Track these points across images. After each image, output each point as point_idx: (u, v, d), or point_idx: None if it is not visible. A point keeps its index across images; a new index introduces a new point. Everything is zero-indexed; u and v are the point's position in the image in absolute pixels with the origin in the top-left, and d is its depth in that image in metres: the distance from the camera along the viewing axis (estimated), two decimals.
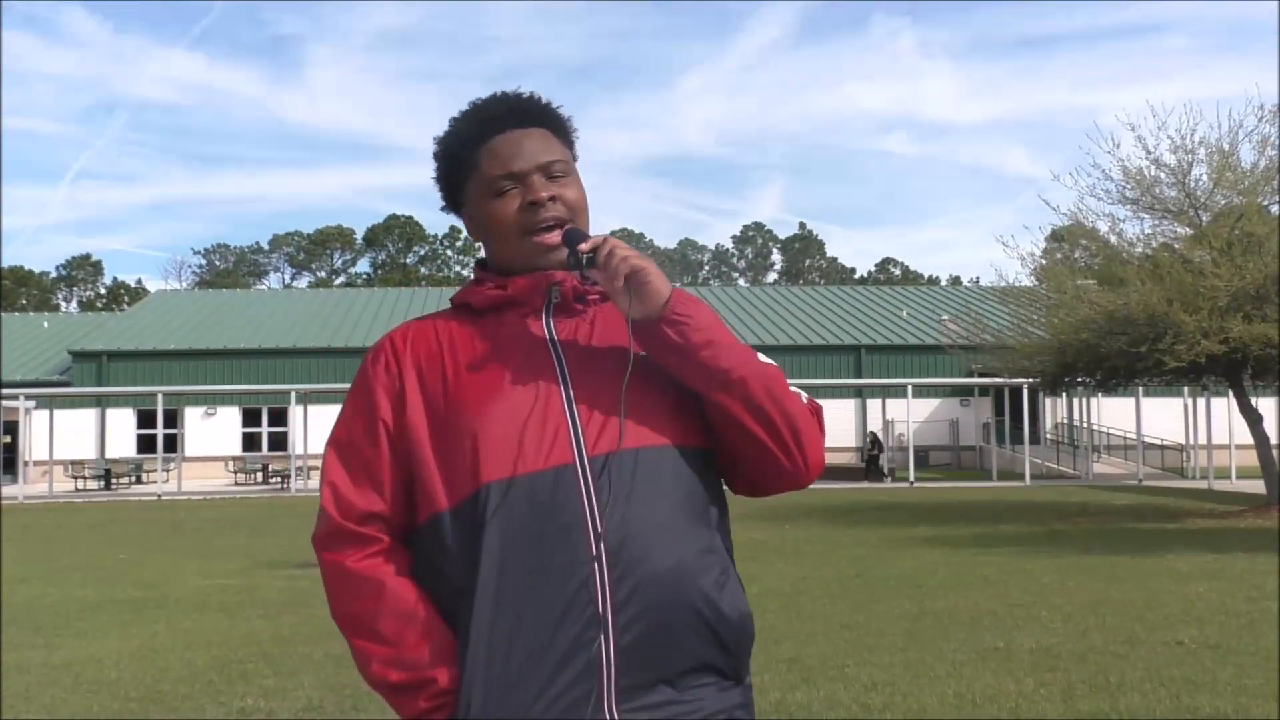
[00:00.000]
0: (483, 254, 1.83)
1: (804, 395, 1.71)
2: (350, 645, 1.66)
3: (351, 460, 1.66)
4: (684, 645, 1.54)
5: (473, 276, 1.82)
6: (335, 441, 1.70)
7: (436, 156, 1.79)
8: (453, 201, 1.81)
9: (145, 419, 36.18)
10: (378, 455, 1.65)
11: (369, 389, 1.69)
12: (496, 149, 1.70)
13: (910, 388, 32.76)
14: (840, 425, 38.71)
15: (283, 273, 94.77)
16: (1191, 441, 30.74)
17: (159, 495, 28.74)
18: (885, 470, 32.59)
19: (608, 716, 1.51)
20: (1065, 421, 36.34)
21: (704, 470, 1.65)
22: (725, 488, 1.72)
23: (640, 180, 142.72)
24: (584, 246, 1.63)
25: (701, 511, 1.62)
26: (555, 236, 1.68)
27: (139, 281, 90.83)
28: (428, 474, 1.60)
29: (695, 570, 1.56)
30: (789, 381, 1.70)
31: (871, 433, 34.00)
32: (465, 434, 1.58)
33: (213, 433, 37.46)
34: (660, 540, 1.55)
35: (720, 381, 1.60)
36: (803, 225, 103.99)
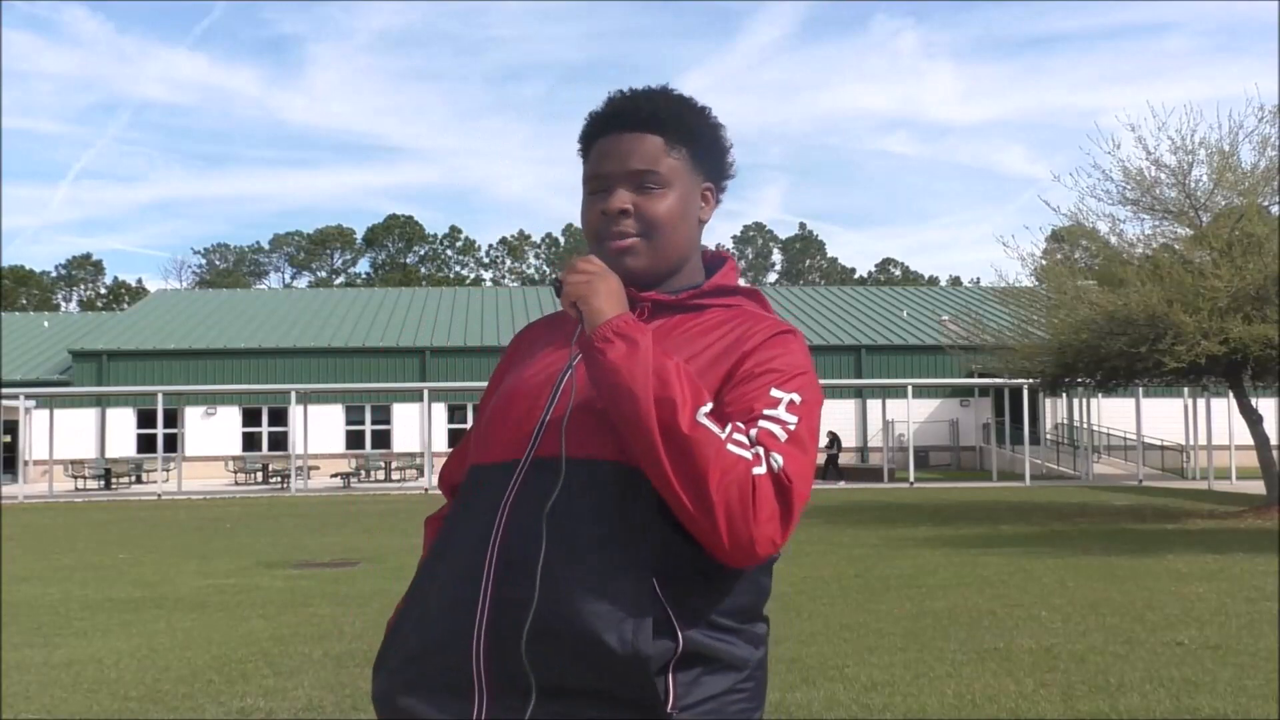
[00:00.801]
0: None
1: (774, 461, 1.48)
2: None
3: (465, 437, 1.83)
4: (562, 668, 1.45)
5: None
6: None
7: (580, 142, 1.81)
8: None
9: (145, 419, 36.21)
10: (470, 435, 1.79)
11: (494, 375, 1.86)
12: (602, 148, 1.70)
13: (910, 388, 32.77)
14: (840, 425, 38.73)
15: (283, 273, 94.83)
16: (1191, 442, 30.75)
17: (159, 495, 28.74)
18: (840, 472, 32.69)
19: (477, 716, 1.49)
20: (1065, 422, 36.36)
21: (638, 492, 1.51)
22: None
23: None
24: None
25: (632, 535, 1.50)
26: (622, 243, 1.66)
27: (139, 281, 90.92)
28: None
29: (591, 594, 1.46)
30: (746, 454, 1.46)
31: (830, 432, 33.99)
32: (483, 421, 1.71)
33: (213, 432, 37.47)
34: (561, 557, 1.48)
35: (624, 426, 1.49)
36: (803, 225, 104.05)
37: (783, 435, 1.53)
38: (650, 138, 1.68)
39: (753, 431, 1.51)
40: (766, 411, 1.54)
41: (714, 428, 1.48)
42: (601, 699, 1.46)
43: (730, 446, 1.47)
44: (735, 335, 1.63)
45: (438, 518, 1.84)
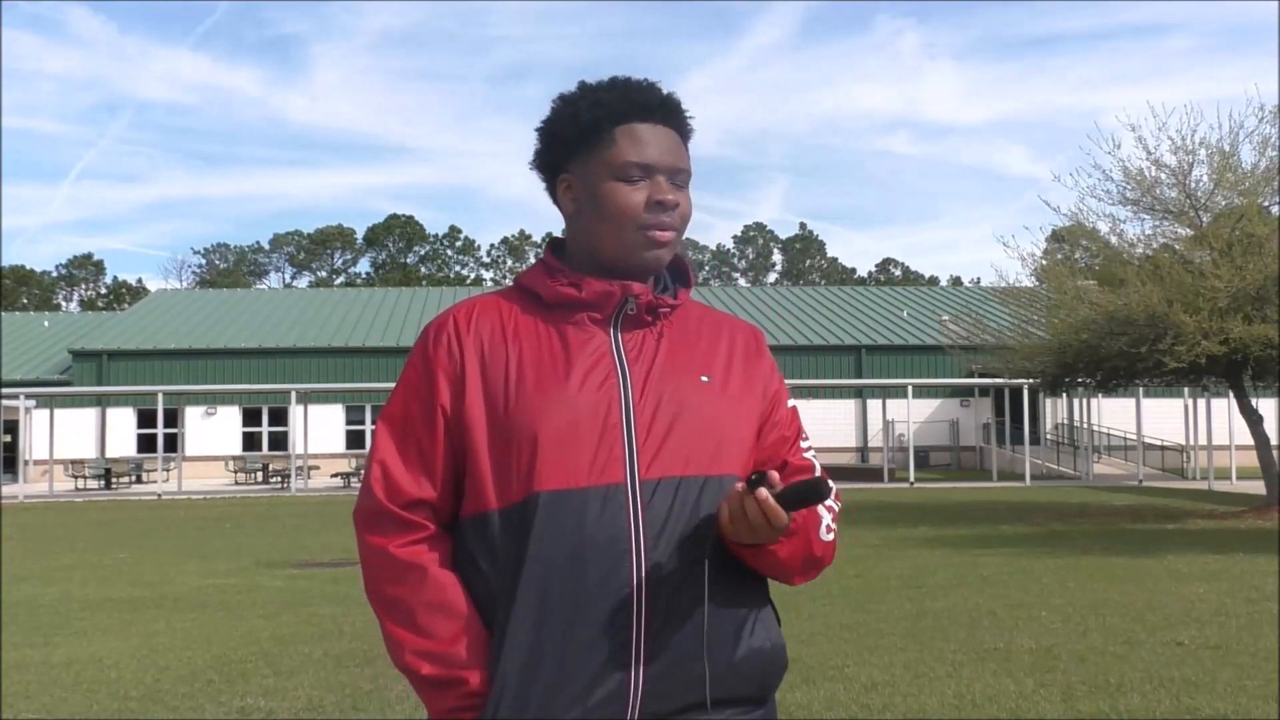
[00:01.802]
0: (557, 233, 1.81)
1: (834, 505, 1.71)
2: (383, 628, 1.63)
3: (405, 442, 1.65)
4: (713, 678, 1.56)
5: (542, 256, 1.77)
6: (389, 418, 1.68)
7: (559, 112, 1.71)
8: (554, 163, 1.73)
9: (145, 418, 36.20)
10: (433, 442, 1.63)
11: (429, 371, 1.65)
12: (640, 135, 1.66)
13: (910, 388, 32.77)
14: (840, 425, 38.72)
15: (283, 273, 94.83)
16: (1191, 442, 30.74)
17: (159, 495, 28.74)
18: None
19: None
20: (1065, 422, 36.35)
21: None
22: None
23: None
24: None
25: (752, 550, 1.63)
26: (667, 235, 1.67)
27: (139, 281, 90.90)
28: (481, 470, 1.59)
29: (731, 606, 1.60)
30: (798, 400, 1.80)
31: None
32: (524, 435, 1.57)
33: (213, 432, 37.47)
34: (701, 574, 1.56)
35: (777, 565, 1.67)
36: (803, 225, 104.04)
37: (817, 465, 1.78)
38: (678, 135, 1.71)
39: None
40: (804, 440, 1.80)
41: (823, 533, 1.68)
42: (737, 702, 1.61)
43: (824, 533, 1.69)
44: (743, 339, 1.80)
45: (427, 549, 1.62)
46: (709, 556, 1.57)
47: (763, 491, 1.49)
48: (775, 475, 1.51)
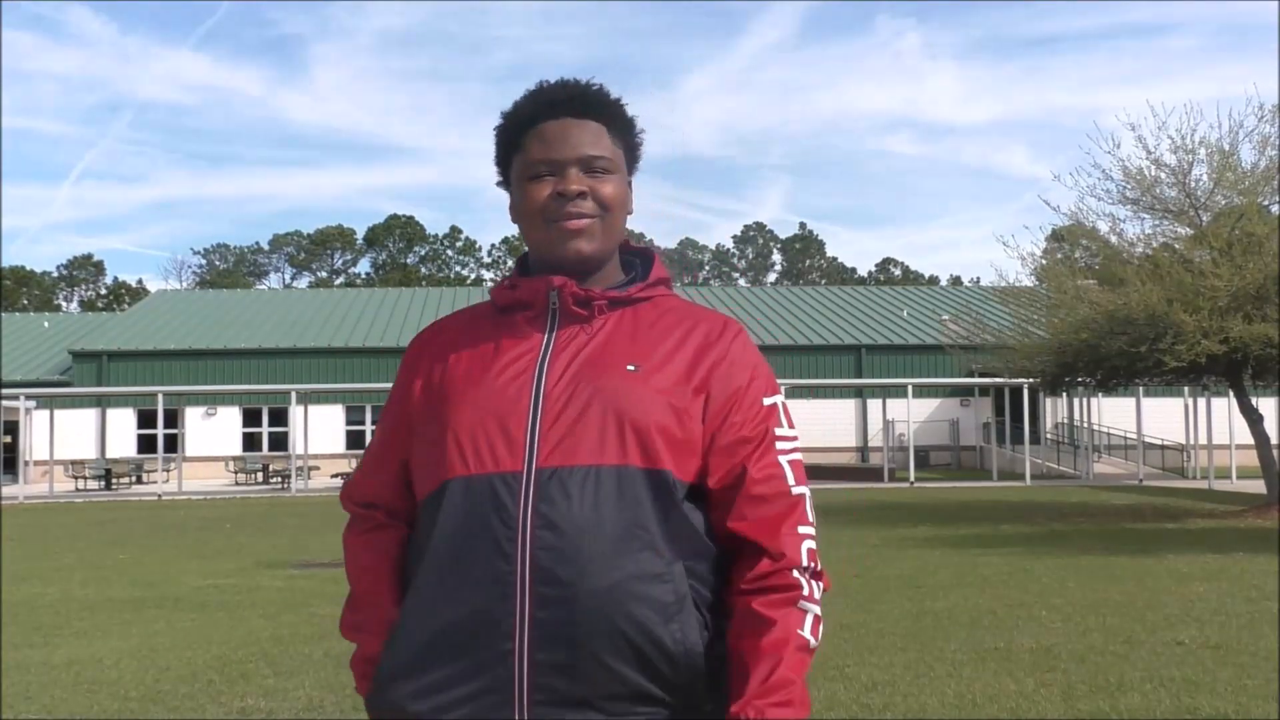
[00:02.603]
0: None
1: (812, 610, 1.63)
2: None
3: (370, 450, 1.82)
4: (611, 670, 1.52)
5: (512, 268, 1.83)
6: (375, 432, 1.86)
7: (495, 132, 1.78)
8: (504, 179, 1.80)
9: (145, 419, 36.20)
10: (384, 451, 1.77)
11: (399, 381, 1.79)
12: (544, 134, 1.69)
13: (910, 388, 32.76)
14: (840, 425, 38.72)
15: (283, 273, 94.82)
16: (1192, 441, 30.74)
17: (159, 495, 28.73)
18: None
19: None
20: (1065, 421, 36.35)
21: (670, 498, 1.59)
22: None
23: (643, 180, 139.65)
24: None
25: (659, 539, 1.57)
26: (579, 223, 1.67)
27: (139, 281, 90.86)
28: (415, 465, 1.70)
29: (634, 595, 1.53)
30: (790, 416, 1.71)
31: None
32: (441, 429, 1.64)
33: (213, 433, 37.47)
34: (597, 562, 1.53)
35: None
36: (803, 225, 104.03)
37: (788, 473, 1.68)
38: (596, 124, 1.71)
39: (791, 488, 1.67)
40: (778, 431, 1.69)
41: (797, 631, 1.61)
42: (647, 701, 1.55)
43: (802, 607, 1.63)
44: (703, 330, 1.71)
45: (369, 537, 1.78)
46: (607, 549, 1.53)
47: None
48: None
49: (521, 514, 1.55)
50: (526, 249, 1.79)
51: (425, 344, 1.78)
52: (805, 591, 1.62)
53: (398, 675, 1.60)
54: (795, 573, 1.62)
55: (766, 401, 1.69)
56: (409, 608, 1.62)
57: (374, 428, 1.88)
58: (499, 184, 1.82)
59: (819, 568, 1.66)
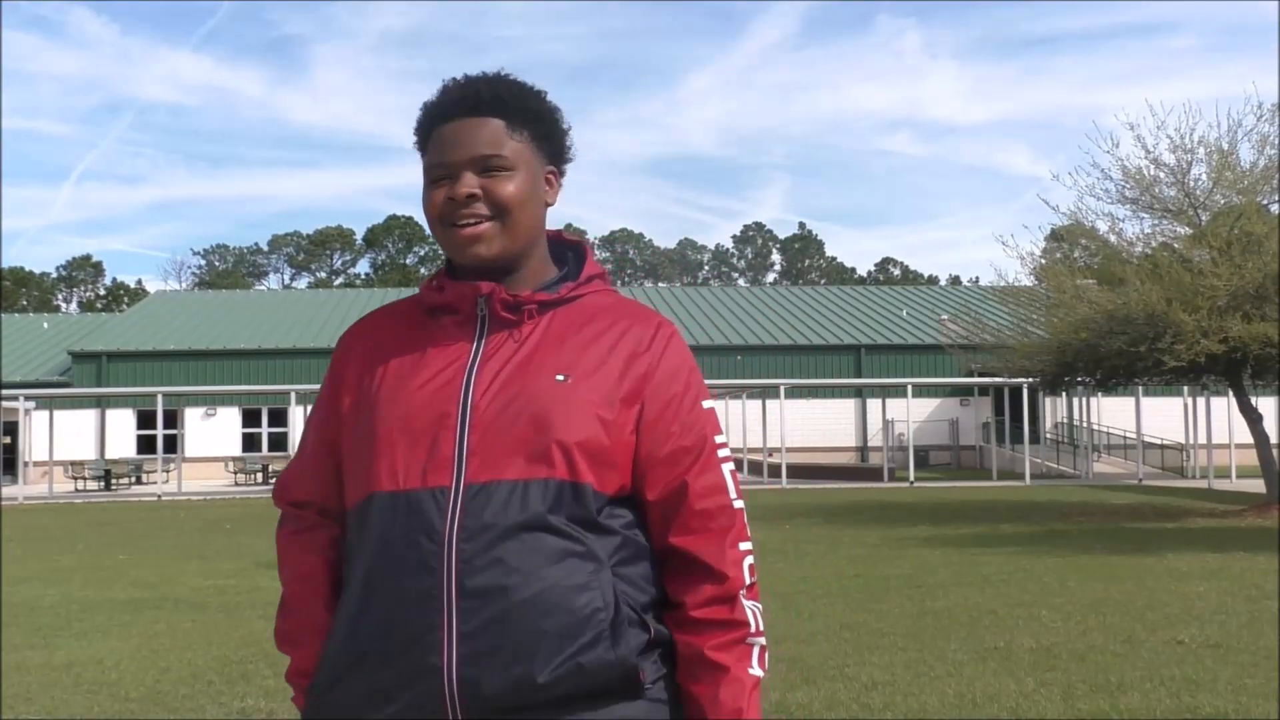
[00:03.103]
0: None
1: (758, 643, 1.64)
2: None
3: (300, 450, 1.79)
4: (538, 679, 1.49)
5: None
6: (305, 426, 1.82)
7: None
8: None
9: (145, 419, 36.20)
10: (314, 450, 1.75)
11: (324, 382, 1.76)
12: (443, 136, 1.65)
13: (910, 387, 32.76)
14: (840, 425, 38.73)
15: (282, 273, 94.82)
16: (1191, 441, 30.75)
17: (159, 496, 28.73)
18: None
19: None
20: (1065, 421, 36.36)
21: (593, 509, 1.57)
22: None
23: (643, 180, 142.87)
24: None
25: (584, 550, 1.54)
26: (478, 228, 1.62)
27: (139, 282, 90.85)
28: (344, 472, 1.68)
29: (559, 605, 1.51)
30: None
31: None
32: (368, 439, 1.61)
33: (212, 433, 37.47)
34: (521, 573, 1.50)
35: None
36: (802, 225, 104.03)
37: (729, 485, 1.68)
38: (492, 121, 1.65)
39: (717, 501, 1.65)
40: (716, 439, 1.68)
41: (743, 666, 1.62)
42: (585, 701, 1.53)
43: (750, 643, 1.63)
44: (635, 334, 1.66)
45: (301, 537, 1.78)
46: (531, 561, 1.51)
47: None
48: None
49: (447, 530, 1.52)
50: None
51: (352, 343, 1.74)
52: (752, 628, 1.63)
53: (330, 688, 1.59)
54: (741, 600, 1.63)
55: (705, 405, 1.67)
56: (339, 622, 1.60)
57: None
58: None
59: (754, 580, 1.67)
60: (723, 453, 1.68)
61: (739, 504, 1.67)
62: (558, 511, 1.54)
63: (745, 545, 1.67)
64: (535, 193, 1.67)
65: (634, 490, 1.62)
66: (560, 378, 1.59)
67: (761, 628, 1.65)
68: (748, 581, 1.65)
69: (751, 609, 1.65)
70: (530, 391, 1.57)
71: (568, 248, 1.77)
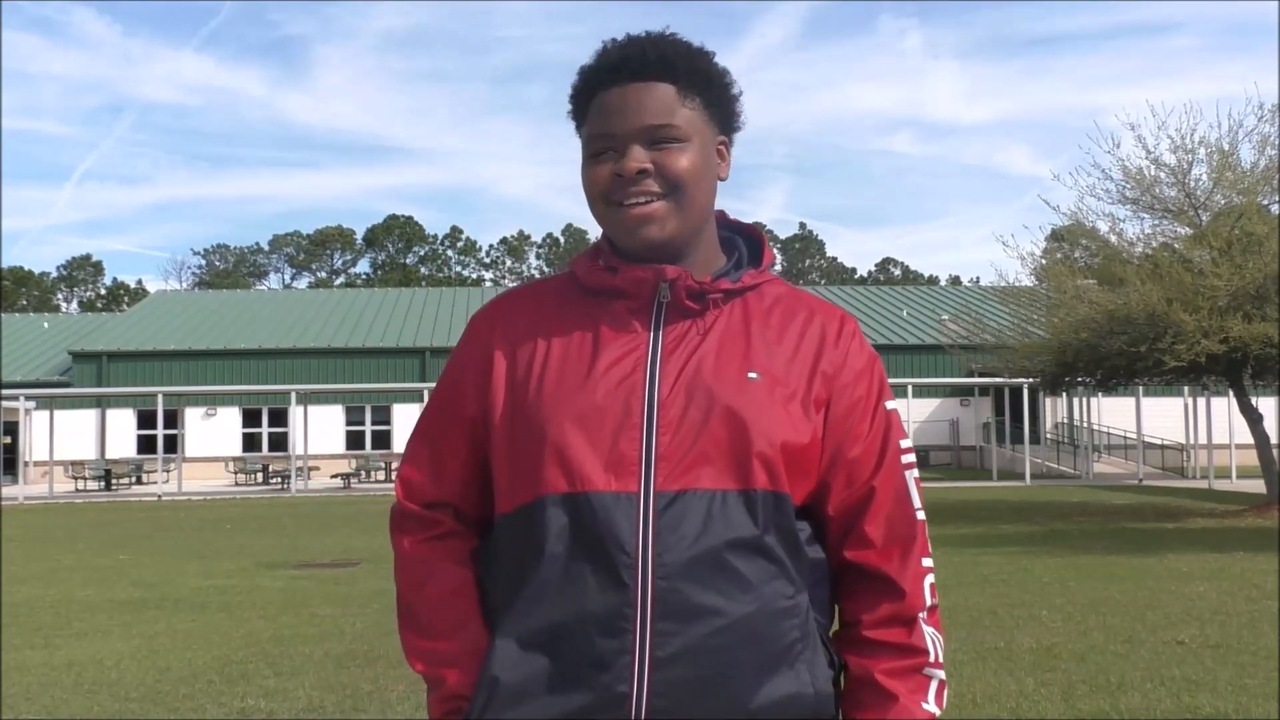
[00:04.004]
0: None
1: (937, 677, 1.54)
2: (398, 625, 1.57)
3: (425, 442, 1.57)
4: (738, 713, 1.37)
5: (599, 240, 1.59)
6: (420, 417, 1.60)
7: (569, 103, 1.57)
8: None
9: (145, 419, 36.18)
10: (450, 443, 1.54)
11: (457, 369, 1.56)
12: (607, 103, 1.48)
13: (910, 387, 32.73)
14: None
15: (283, 273, 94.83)
16: (1192, 441, 30.74)
17: (159, 496, 28.73)
18: None
19: None
20: (1065, 421, 36.35)
21: (794, 523, 1.45)
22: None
23: None
24: None
25: (788, 568, 1.43)
26: (646, 209, 1.45)
27: (139, 282, 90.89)
28: (497, 473, 1.50)
29: (764, 634, 1.39)
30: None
31: None
32: (535, 435, 1.43)
33: (213, 433, 37.46)
34: (723, 597, 1.37)
35: None
36: (803, 225, 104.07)
37: (918, 504, 1.57)
38: (662, 86, 1.47)
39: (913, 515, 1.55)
40: (901, 443, 1.55)
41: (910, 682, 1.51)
42: None
43: (927, 673, 1.53)
44: (819, 327, 1.53)
45: (438, 546, 1.55)
46: (735, 579, 1.38)
47: None
48: None
49: (639, 541, 1.36)
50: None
51: (499, 319, 1.55)
52: (930, 657, 1.51)
53: (501, 714, 1.40)
54: (921, 624, 1.52)
55: (888, 406, 1.54)
56: (505, 642, 1.41)
57: (425, 406, 1.61)
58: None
59: (936, 602, 1.56)
60: (907, 458, 1.55)
61: (922, 515, 1.55)
62: (764, 528, 1.41)
63: (928, 562, 1.55)
64: (709, 166, 1.51)
65: (814, 500, 1.49)
66: (752, 376, 1.45)
67: (941, 659, 1.53)
68: (929, 603, 1.54)
69: (931, 637, 1.53)
70: (723, 390, 1.43)
71: (735, 231, 1.62)
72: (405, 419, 37.55)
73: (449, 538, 1.54)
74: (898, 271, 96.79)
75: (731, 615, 1.37)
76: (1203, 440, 28.76)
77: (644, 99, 1.46)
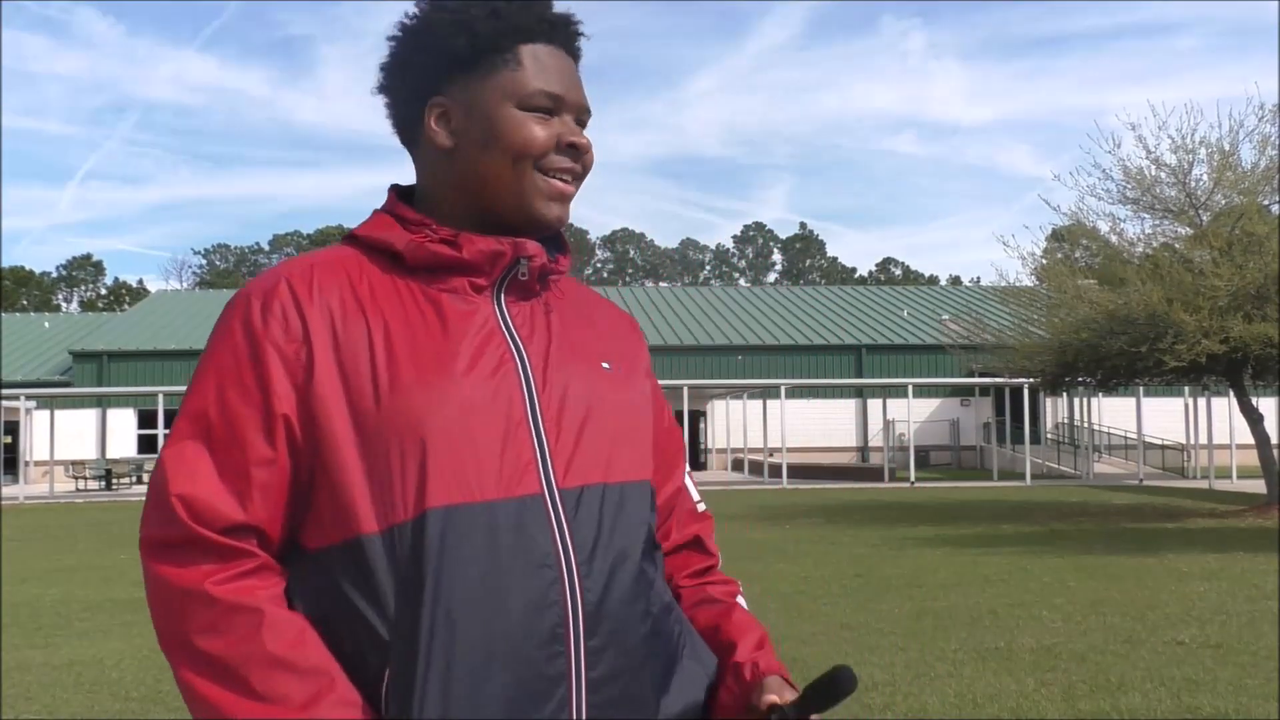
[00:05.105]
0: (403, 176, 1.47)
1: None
2: (195, 694, 1.19)
3: (218, 449, 1.22)
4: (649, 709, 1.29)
5: (386, 206, 1.38)
6: (194, 415, 1.23)
7: (437, 20, 1.33)
8: (423, 83, 1.35)
9: (146, 419, 36.19)
10: (258, 452, 1.22)
11: (257, 352, 1.23)
12: (547, 60, 1.33)
13: (911, 387, 32.77)
14: (841, 425, 38.71)
15: None
16: (1192, 441, 30.74)
17: None
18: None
19: None
20: (1066, 421, 36.35)
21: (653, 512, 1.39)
22: None
23: (646, 180, 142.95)
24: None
25: (657, 556, 1.37)
26: (571, 187, 1.35)
27: (140, 282, 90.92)
28: (347, 483, 1.21)
29: (661, 630, 1.32)
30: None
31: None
32: (406, 436, 1.20)
33: None
34: (642, 601, 1.28)
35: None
36: (803, 225, 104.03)
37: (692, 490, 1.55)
38: (576, 69, 1.39)
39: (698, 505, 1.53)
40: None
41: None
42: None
43: (741, 604, 1.47)
44: (625, 324, 1.49)
45: (256, 584, 1.20)
46: (631, 577, 1.28)
47: None
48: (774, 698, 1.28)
49: (559, 549, 1.22)
50: (431, 185, 1.38)
51: (301, 302, 1.25)
52: (741, 590, 1.50)
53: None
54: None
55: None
56: (434, 679, 1.17)
57: (192, 404, 1.25)
58: (400, 83, 1.38)
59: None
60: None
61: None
62: (644, 513, 1.33)
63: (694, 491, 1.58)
64: None
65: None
66: (606, 365, 1.37)
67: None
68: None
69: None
70: (590, 379, 1.33)
71: None
72: None
73: (268, 572, 1.22)
74: (898, 271, 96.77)
75: (646, 623, 1.28)
76: (1203, 440, 28.76)
77: (575, 76, 1.37)
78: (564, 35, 1.36)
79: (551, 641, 1.20)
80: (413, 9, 1.36)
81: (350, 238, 1.36)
